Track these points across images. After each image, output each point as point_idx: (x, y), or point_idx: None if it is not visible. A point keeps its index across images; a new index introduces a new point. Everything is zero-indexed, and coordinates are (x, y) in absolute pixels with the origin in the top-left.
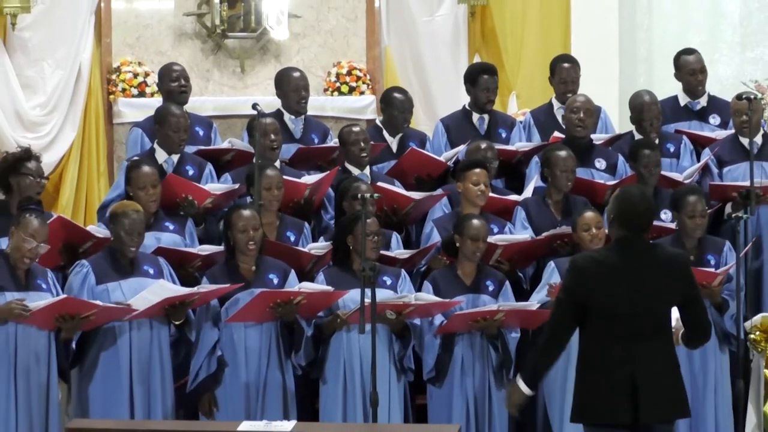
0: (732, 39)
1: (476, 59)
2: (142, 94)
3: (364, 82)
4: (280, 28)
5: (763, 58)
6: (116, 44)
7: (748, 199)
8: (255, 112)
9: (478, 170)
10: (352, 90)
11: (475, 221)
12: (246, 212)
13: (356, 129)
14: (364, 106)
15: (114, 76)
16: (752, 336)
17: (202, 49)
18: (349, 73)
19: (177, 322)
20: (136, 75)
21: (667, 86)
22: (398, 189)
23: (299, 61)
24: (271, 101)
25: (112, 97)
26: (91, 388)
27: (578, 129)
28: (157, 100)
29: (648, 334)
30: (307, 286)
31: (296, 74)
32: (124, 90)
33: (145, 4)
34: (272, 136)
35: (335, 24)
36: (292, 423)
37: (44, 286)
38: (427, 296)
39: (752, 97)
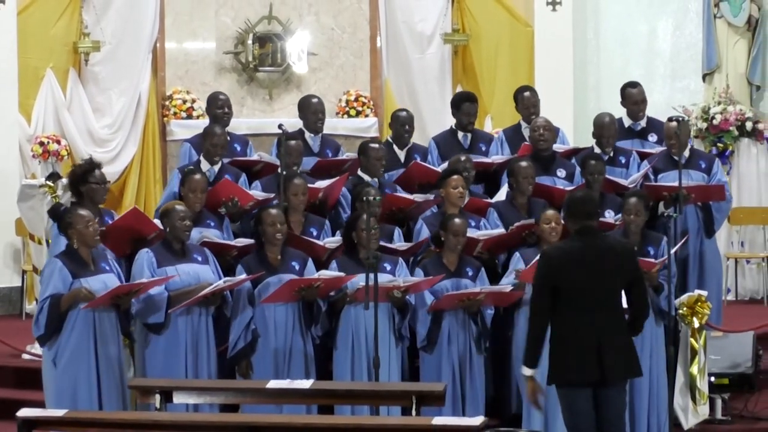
0: (664, 72)
1: (458, 88)
2: (190, 116)
3: (368, 107)
4: (301, 64)
5: (689, 87)
6: (169, 77)
7: (678, 201)
8: (280, 131)
9: (456, 177)
10: (358, 113)
11: (457, 219)
12: (273, 211)
13: (376, 146)
14: (368, 126)
15: (167, 102)
16: (680, 311)
17: (238, 81)
18: (356, 100)
19: (214, 306)
20: (185, 101)
21: (612, 110)
22: (403, 194)
23: (316, 90)
24: (294, 122)
25: (165, 119)
26: (155, 355)
27: (540, 143)
28: (203, 122)
29: (606, 307)
30: (325, 273)
31: (315, 100)
32: (175, 113)
33: (192, 44)
34: (295, 157)
35: (345, 60)
36: (311, 381)
37: (107, 268)
38: (413, 278)
39: (680, 119)
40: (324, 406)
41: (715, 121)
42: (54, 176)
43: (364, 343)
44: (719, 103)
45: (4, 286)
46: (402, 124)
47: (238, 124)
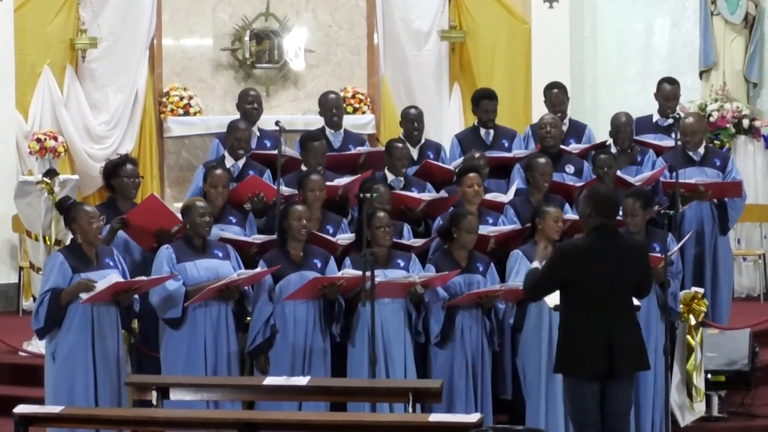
0: (661, 69)
1: (455, 86)
2: (186, 113)
3: (365, 104)
4: (298, 61)
5: (686, 85)
6: (166, 73)
7: (675, 199)
8: (277, 128)
9: (472, 175)
10: (355, 110)
11: (469, 217)
12: (299, 206)
13: (400, 145)
14: (365, 122)
15: (164, 99)
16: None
17: (235, 78)
18: (353, 97)
19: (232, 300)
20: (182, 98)
21: (609, 107)
22: (408, 193)
23: (313, 87)
24: (290, 119)
25: (162, 115)
26: (175, 351)
27: (547, 140)
28: (200, 119)
29: (619, 303)
30: (348, 272)
31: (331, 96)
32: (172, 110)
33: (189, 41)
34: (319, 158)
35: (342, 57)
36: (307, 378)
37: (111, 263)
38: (428, 273)
39: (677, 116)
40: (337, 403)
41: (712, 119)
42: (51, 173)
43: (381, 339)
44: (716, 101)
45: (1, 283)
46: (412, 121)
47: None
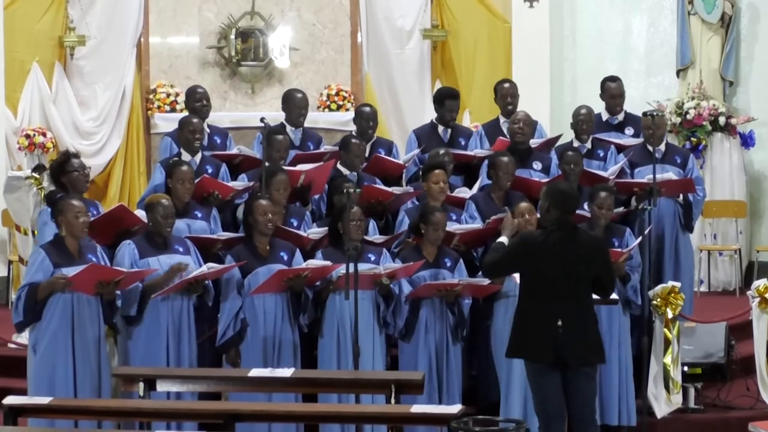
0: (639, 68)
1: (437, 83)
2: (173, 110)
3: (348, 101)
4: (283, 59)
5: (663, 83)
6: (153, 71)
7: (652, 194)
8: (263, 125)
9: (437, 171)
10: (339, 107)
11: (437, 213)
12: (264, 201)
13: (358, 141)
14: (348, 120)
15: (151, 96)
16: (654, 302)
17: (221, 75)
18: (337, 94)
19: (196, 294)
20: (169, 95)
21: (588, 105)
22: (382, 186)
23: (298, 84)
24: (275, 116)
25: (149, 112)
26: (137, 344)
27: (518, 136)
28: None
29: (572, 295)
30: (312, 263)
31: (299, 95)
32: (159, 107)
33: (176, 39)
34: (282, 152)
35: (326, 55)
36: (292, 370)
37: (94, 259)
38: (392, 264)
39: (655, 113)
40: (308, 394)
41: (688, 116)
42: (40, 168)
43: (350, 331)
44: (693, 99)
45: None
46: (366, 119)
47: (221, 118)
